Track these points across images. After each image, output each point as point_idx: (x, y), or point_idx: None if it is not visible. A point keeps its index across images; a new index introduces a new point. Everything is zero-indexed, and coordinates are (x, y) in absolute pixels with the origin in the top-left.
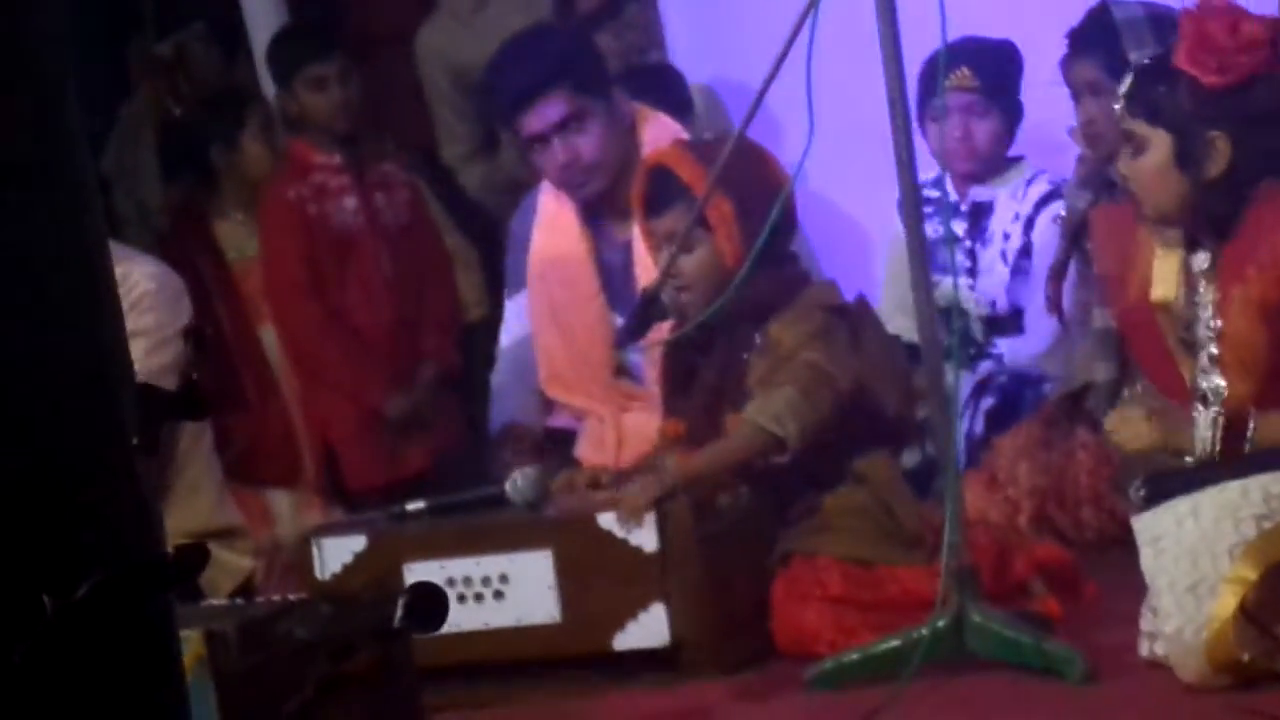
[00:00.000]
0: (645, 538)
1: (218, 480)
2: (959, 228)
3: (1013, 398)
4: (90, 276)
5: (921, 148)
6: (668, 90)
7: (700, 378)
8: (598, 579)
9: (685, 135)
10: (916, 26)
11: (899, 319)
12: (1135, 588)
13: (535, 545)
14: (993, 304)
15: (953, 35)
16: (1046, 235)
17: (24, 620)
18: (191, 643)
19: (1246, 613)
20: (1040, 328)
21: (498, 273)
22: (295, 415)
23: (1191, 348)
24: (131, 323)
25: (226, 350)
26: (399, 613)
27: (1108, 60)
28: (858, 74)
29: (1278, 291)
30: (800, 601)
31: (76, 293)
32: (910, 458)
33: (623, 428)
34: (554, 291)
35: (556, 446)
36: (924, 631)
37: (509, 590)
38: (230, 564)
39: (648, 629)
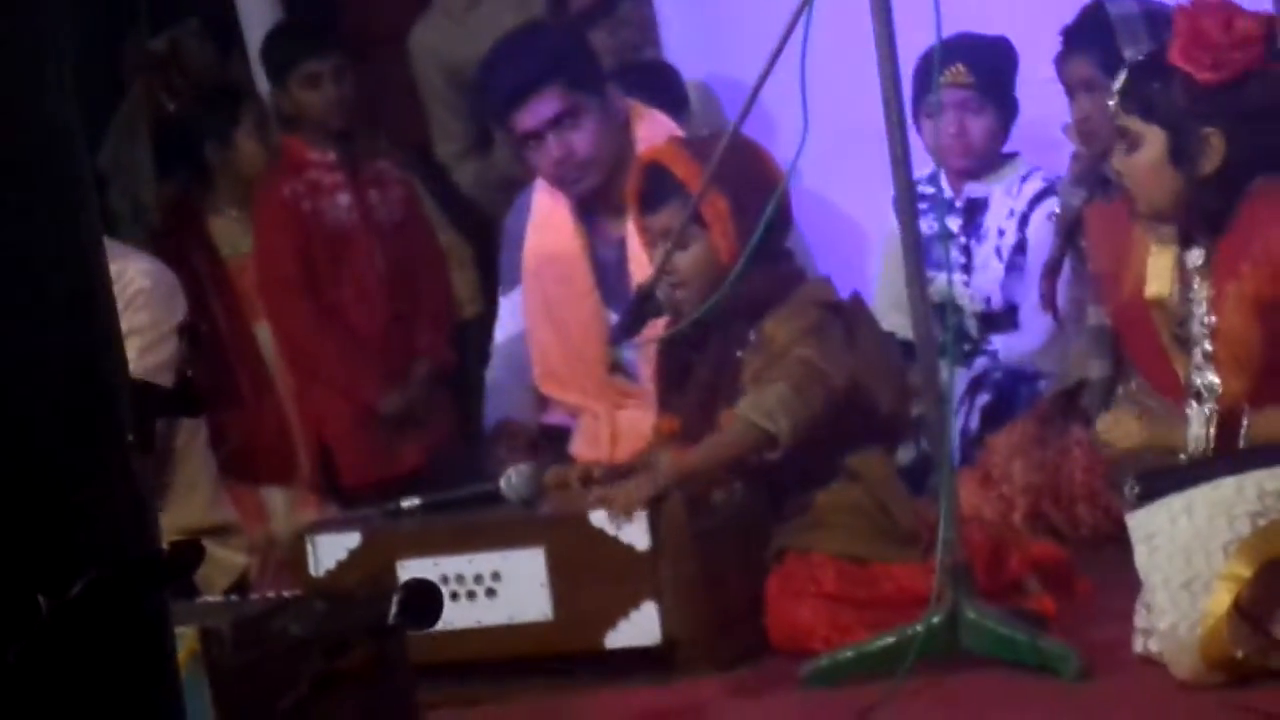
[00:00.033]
0: (637, 536)
1: (213, 477)
2: (954, 224)
3: (1008, 394)
4: (85, 273)
5: (916, 144)
6: (663, 87)
7: (695, 374)
8: (589, 577)
9: (680, 132)
10: (911, 23)
11: (894, 316)
12: (1130, 585)
13: (527, 543)
14: (987, 300)
15: (947, 31)
16: (1041, 232)
17: (19, 618)
18: (186, 639)
19: (1241, 609)
20: (1035, 324)
21: (492, 270)
22: (290, 412)
23: (1186, 344)
24: (126, 321)
25: (221, 347)
26: (394, 609)
27: (1103, 57)
28: (852, 70)
29: (1271, 288)
30: (795, 598)
31: (71, 290)
32: (905, 454)
33: (617, 424)
34: (548, 288)
35: (551, 443)
36: (919, 628)
37: (501, 588)
38: (225, 561)
39: (639, 627)
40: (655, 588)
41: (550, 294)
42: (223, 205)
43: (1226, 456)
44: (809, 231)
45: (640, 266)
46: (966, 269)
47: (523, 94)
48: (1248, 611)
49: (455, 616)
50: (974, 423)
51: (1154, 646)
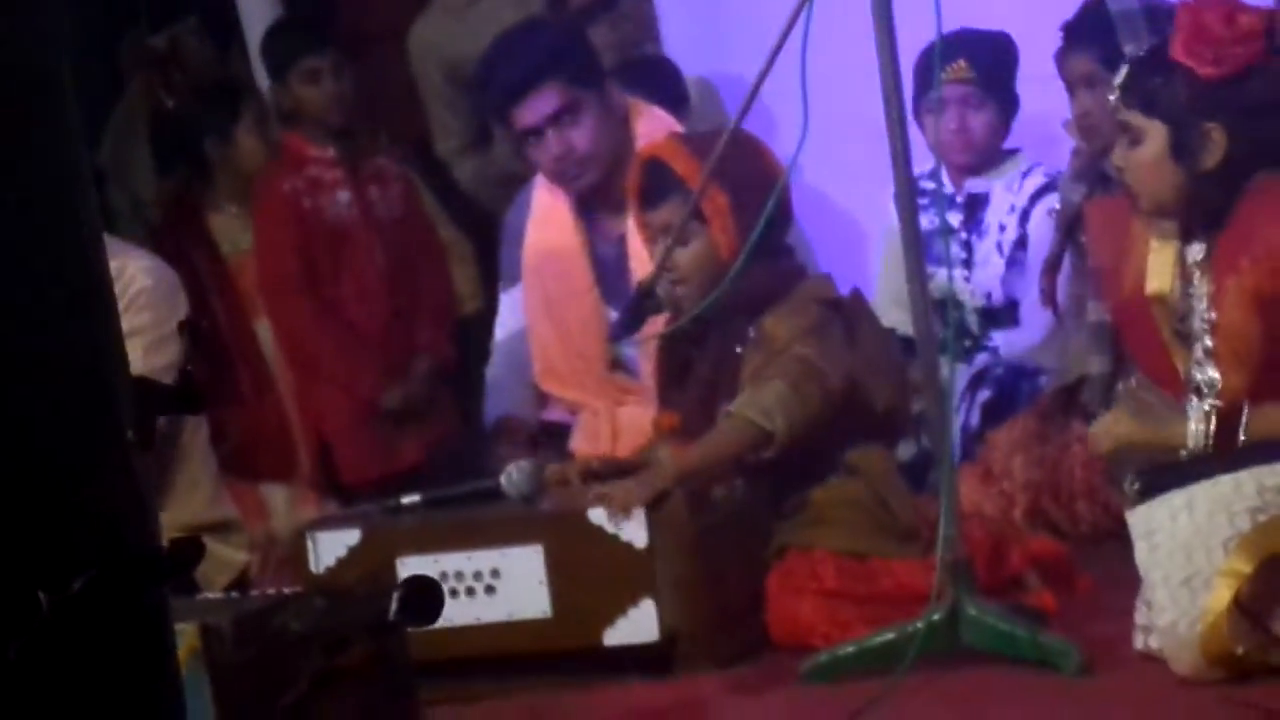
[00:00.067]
0: (636, 533)
1: (213, 474)
2: (954, 220)
3: (1009, 390)
4: (85, 270)
5: (917, 140)
6: (664, 83)
7: (695, 370)
8: (588, 574)
9: (679, 128)
10: (911, 18)
11: (894, 312)
12: (1130, 581)
13: (526, 540)
14: (988, 296)
15: (947, 27)
16: (1042, 228)
17: (19, 614)
18: (187, 636)
19: (1241, 606)
20: (1035, 320)
21: (492, 266)
22: (290, 409)
23: (1187, 340)
24: (129, 321)
25: (221, 344)
26: (394, 606)
27: (1103, 53)
28: (853, 66)
29: (1271, 283)
30: (795, 595)
31: (71, 286)
32: (906, 450)
33: (618, 421)
34: (548, 285)
35: (551, 440)
36: (919, 625)
37: (500, 585)
38: (225, 558)
39: (637, 624)
40: (654, 585)
41: (550, 290)
42: (222, 202)
43: (1226, 453)
44: (809, 228)
45: (640, 263)
46: (967, 264)
47: (522, 90)
48: (1248, 608)
49: (455, 613)
50: (975, 419)
51: (1154, 643)
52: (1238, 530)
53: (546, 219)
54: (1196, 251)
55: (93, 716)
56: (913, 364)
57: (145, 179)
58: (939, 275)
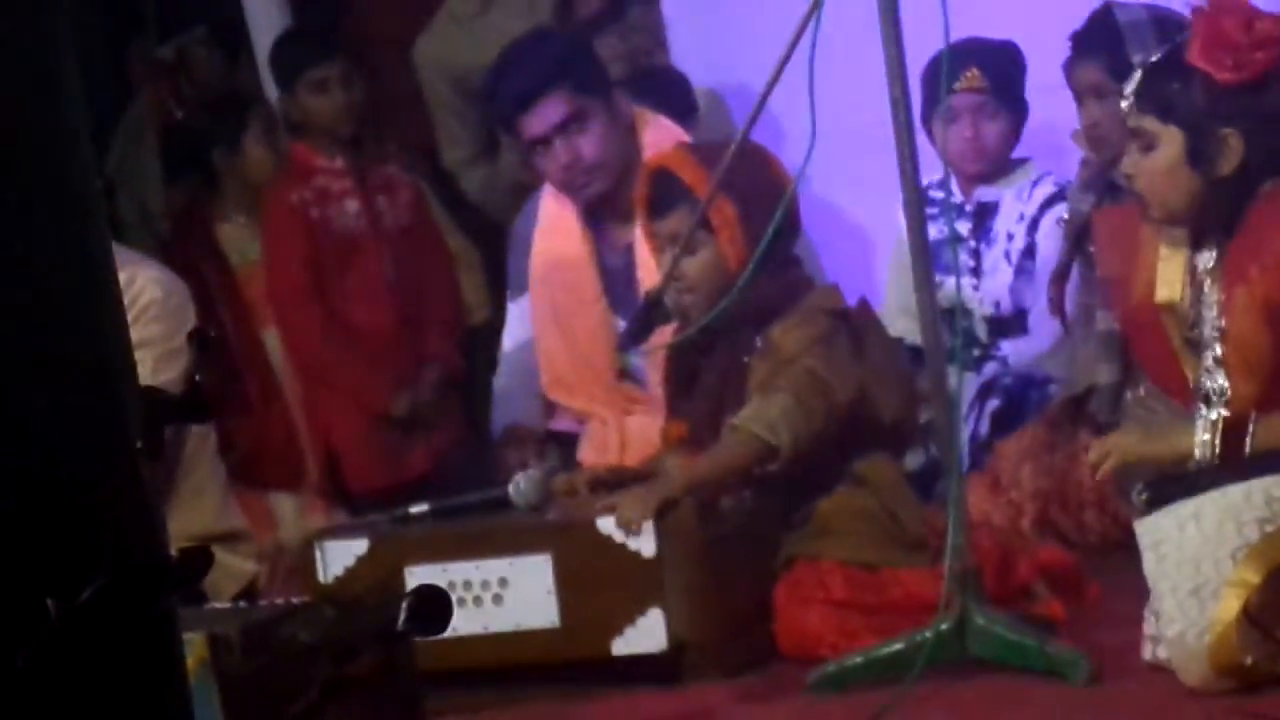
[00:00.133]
0: (643, 543)
1: (221, 484)
2: (963, 228)
3: (1018, 399)
4: (94, 280)
5: (925, 149)
6: (672, 94)
7: (702, 380)
8: (597, 583)
9: (686, 137)
10: (919, 28)
11: (902, 321)
12: (1138, 591)
13: (535, 549)
14: (997, 305)
15: (955, 37)
16: (1050, 237)
17: (28, 623)
18: (195, 646)
19: (1249, 616)
20: (1044, 328)
21: (500, 276)
22: (298, 418)
23: (1197, 348)
24: (138, 332)
25: (229, 353)
26: (402, 615)
27: (1111, 63)
28: (861, 76)
29: None
30: (803, 604)
31: (80, 296)
32: (914, 460)
33: (625, 430)
34: (556, 295)
35: (559, 449)
36: (927, 634)
37: (508, 594)
38: (233, 567)
39: (645, 634)
40: (662, 594)
41: (558, 300)
42: (230, 212)
43: (1234, 463)
44: (817, 238)
45: (648, 272)
46: (976, 273)
47: (530, 99)
48: (1256, 618)
49: (463, 623)
50: (984, 428)
51: (1163, 653)
52: (1246, 540)
53: (554, 228)
54: (1207, 259)
55: None
56: (921, 373)
57: (153, 189)
58: (947, 284)
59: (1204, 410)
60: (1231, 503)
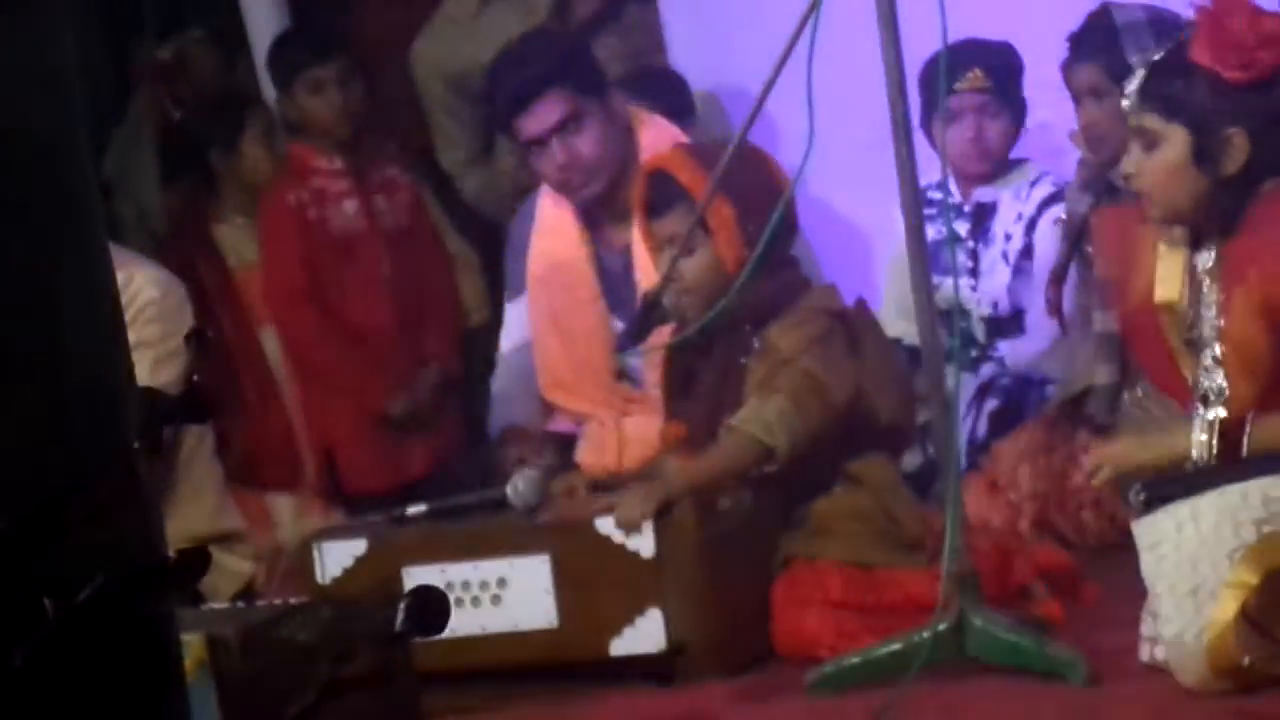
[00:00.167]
0: (642, 543)
1: (219, 484)
2: (962, 229)
3: (1016, 400)
4: (91, 279)
5: (923, 150)
6: (670, 94)
7: (700, 381)
8: (595, 584)
9: (683, 137)
10: (917, 29)
11: (900, 322)
12: (1136, 591)
13: (533, 550)
14: (994, 305)
15: (951, 38)
16: (1048, 237)
17: (25, 622)
18: (193, 646)
19: (1247, 617)
20: (1041, 329)
21: (497, 278)
22: (296, 419)
23: (1196, 347)
24: (136, 333)
25: (227, 354)
26: (400, 616)
27: (1109, 63)
28: (858, 77)
29: None
30: (801, 605)
31: (78, 295)
32: (911, 460)
33: (623, 431)
34: (554, 296)
35: (557, 450)
36: (925, 635)
37: (507, 595)
38: (231, 568)
39: (644, 634)
40: (661, 594)
41: (555, 301)
42: (228, 212)
43: (1231, 464)
44: (814, 238)
45: (646, 273)
46: (974, 273)
47: (527, 100)
48: (1254, 619)
49: (461, 623)
50: (982, 428)
51: (1160, 654)
52: (1243, 541)
53: (552, 229)
54: (1206, 259)
55: None
56: (918, 373)
57: (151, 190)
58: (945, 285)
59: (1202, 410)
60: (1229, 503)
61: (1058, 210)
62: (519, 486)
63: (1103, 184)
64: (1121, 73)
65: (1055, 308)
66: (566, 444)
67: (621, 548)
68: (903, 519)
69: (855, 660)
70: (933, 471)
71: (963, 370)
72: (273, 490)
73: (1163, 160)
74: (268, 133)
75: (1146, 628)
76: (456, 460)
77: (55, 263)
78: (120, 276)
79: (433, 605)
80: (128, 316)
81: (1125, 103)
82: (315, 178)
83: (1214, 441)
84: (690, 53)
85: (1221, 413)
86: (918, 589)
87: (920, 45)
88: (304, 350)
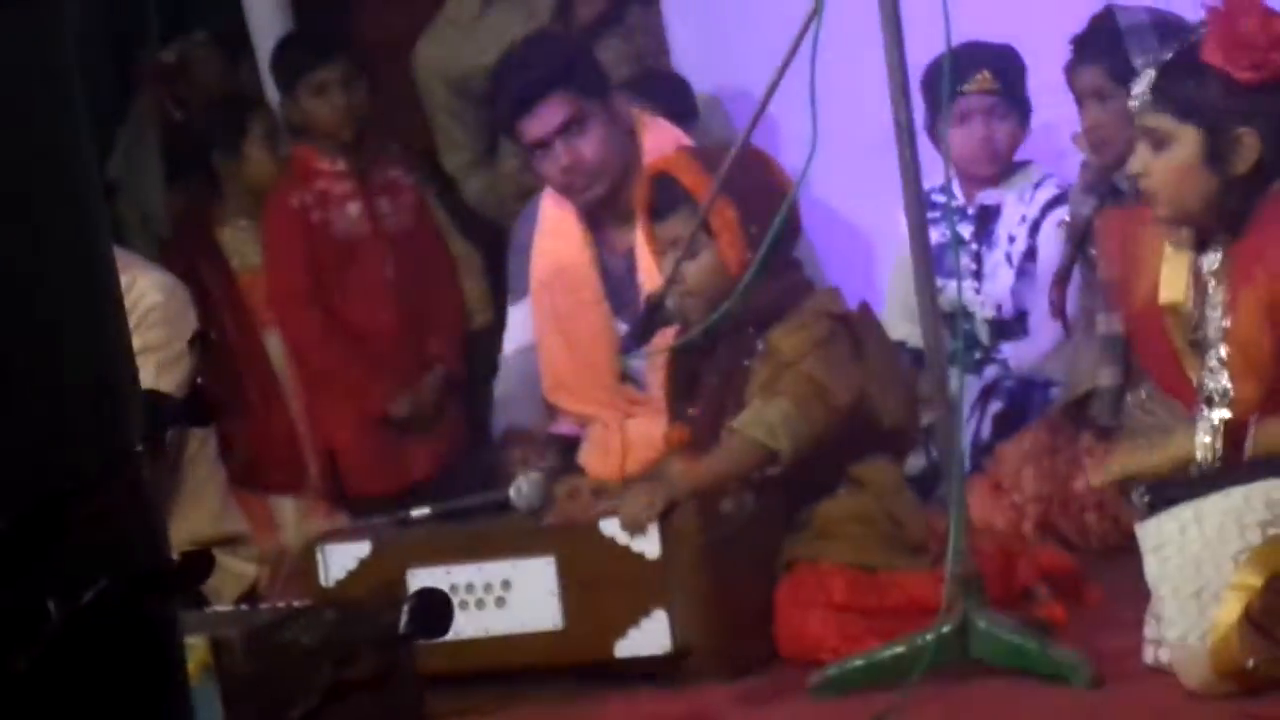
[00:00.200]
0: (647, 545)
1: (222, 487)
2: (965, 231)
3: (1019, 402)
4: (95, 282)
5: (927, 153)
6: (673, 97)
7: (703, 383)
8: (600, 586)
9: (686, 140)
10: (920, 31)
11: (904, 325)
12: (1139, 593)
13: (538, 552)
14: (998, 307)
15: (955, 40)
16: (1051, 239)
17: (29, 625)
18: (197, 649)
19: (1251, 619)
20: (1045, 331)
21: (500, 280)
22: (299, 421)
23: (1201, 349)
24: (139, 337)
25: (230, 356)
26: (404, 619)
27: (1112, 65)
28: (862, 80)
29: None
30: (804, 608)
31: (81, 298)
32: (915, 463)
33: (627, 434)
34: (557, 298)
35: (560, 453)
36: (929, 637)
37: (511, 597)
38: (235, 570)
39: (649, 636)
40: (665, 596)
41: (559, 304)
42: (231, 215)
43: (1236, 466)
44: (818, 241)
45: (649, 276)
46: (977, 276)
47: (530, 102)
48: (1258, 621)
49: (465, 626)
50: (985, 431)
51: (1164, 656)
52: (1247, 543)
53: (555, 232)
54: (1212, 260)
55: None
56: (922, 376)
57: (155, 192)
58: (949, 287)
59: (1206, 411)
60: (1233, 505)
61: (1061, 212)
62: (522, 489)
63: (1106, 186)
64: (1125, 75)
65: (1059, 310)
66: (569, 446)
67: (626, 549)
68: (906, 521)
69: (859, 663)
70: (936, 474)
71: (966, 373)
72: (276, 493)
73: (1173, 160)
74: (271, 135)
75: (1150, 630)
76: (460, 462)
77: (57, 263)
78: (123, 280)
79: (436, 607)
80: (131, 320)
81: (1132, 103)
82: (318, 180)
83: (1218, 444)
84: (693, 55)
85: (1226, 415)
86: (921, 591)
87: (923, 47)
88: (307, 352)
